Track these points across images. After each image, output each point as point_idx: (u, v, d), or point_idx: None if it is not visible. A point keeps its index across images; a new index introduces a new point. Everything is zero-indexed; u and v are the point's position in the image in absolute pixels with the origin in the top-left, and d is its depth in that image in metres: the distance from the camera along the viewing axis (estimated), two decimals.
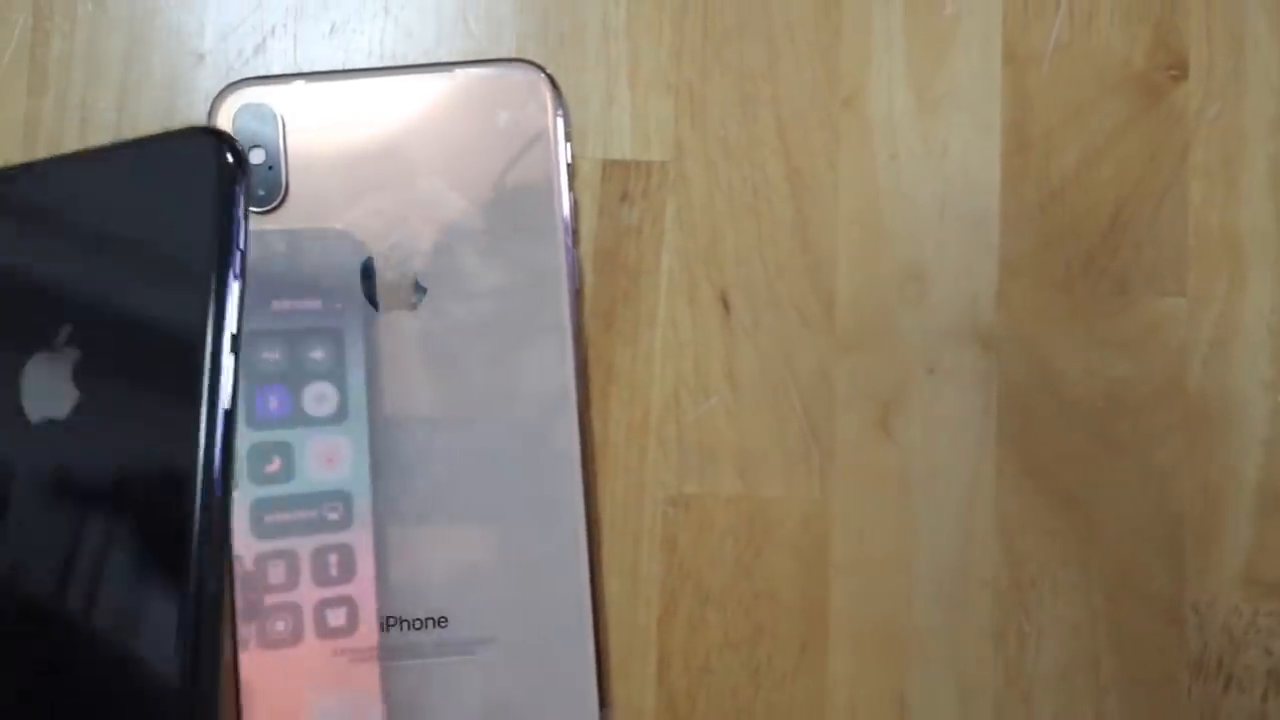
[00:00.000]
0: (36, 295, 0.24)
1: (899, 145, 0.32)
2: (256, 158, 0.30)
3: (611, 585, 0.31)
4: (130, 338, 0.23)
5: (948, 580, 0.32)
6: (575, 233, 0.31)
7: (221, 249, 0.23)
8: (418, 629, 0.29)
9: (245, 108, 0.30)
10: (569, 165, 0.31)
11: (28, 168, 0.25)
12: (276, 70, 0.32)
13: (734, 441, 0.32)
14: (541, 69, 0.31)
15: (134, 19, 0.32)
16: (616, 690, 0.31)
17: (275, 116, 0.30)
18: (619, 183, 0.32)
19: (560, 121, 0.31)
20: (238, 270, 0.23)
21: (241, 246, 0.23)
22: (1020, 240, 0.32)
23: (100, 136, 0.31)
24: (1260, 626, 0.32)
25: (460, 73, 0.31)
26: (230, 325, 0.22)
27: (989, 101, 0.32)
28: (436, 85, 0.31)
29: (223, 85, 0.31)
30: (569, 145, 0.31)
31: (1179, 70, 0.33)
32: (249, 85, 0.30)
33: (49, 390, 0.24)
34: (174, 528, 0.22)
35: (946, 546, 0.32)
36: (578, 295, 0.31)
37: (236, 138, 0.26)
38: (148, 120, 0.32)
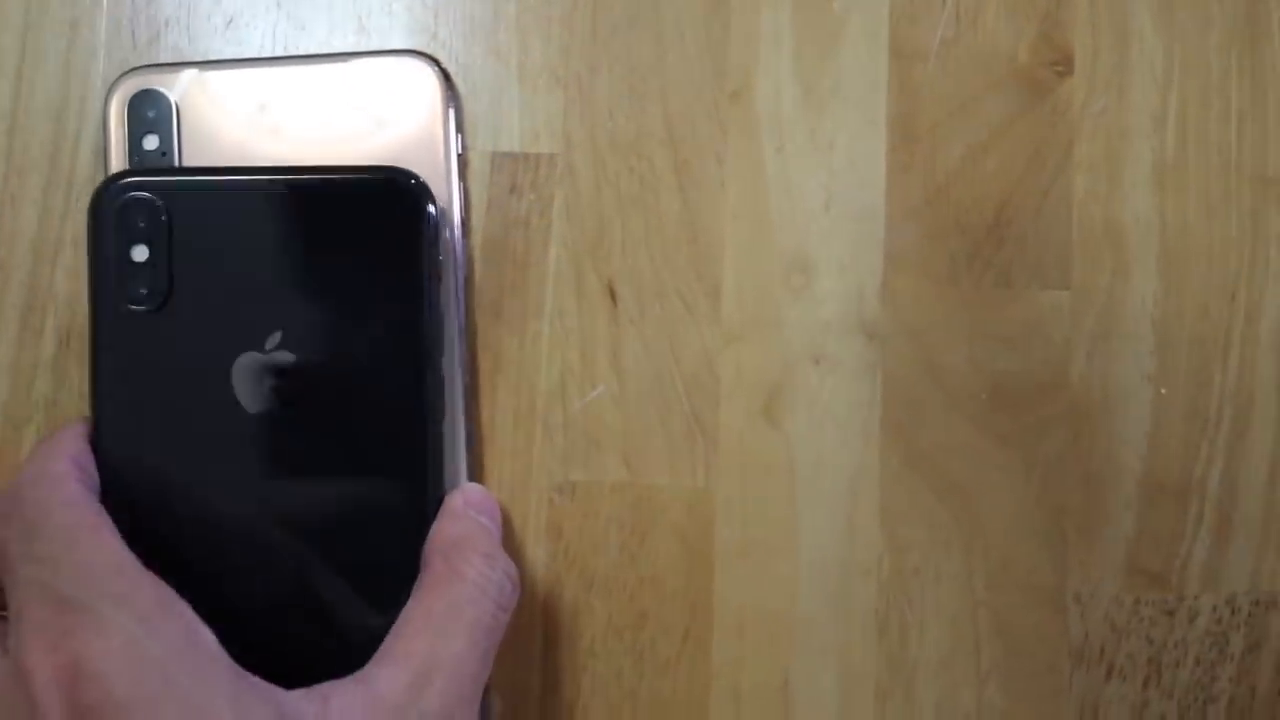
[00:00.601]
0: (247, 301, 0.29)
1: (785, 139, 0.33)
2: (150, 144, 0.30)
3: None
4: (338, 348, 0.29)
5: (831, 568, 0.32)
6: (465, 223, 0.31)
7: (429, 279, 0.29)
8: None
9: (141, 94, 0.31)
10: (460, 156, 0.31)
11: (248, 185, 0.29)
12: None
13: (620, 430, 0.32)
14: (434, 60, 0.31)
15: (29, 10, 0.32)
16: (501, 674, 0.31)
17: (170, 103, 0.30)
18: (508, 174, 0.32)
19: (452, 112, 0.31)
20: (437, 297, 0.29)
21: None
22: (905, 233, 0.33)
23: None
24: (1142, 616, 0.32)
25: (353, 63, 0.31)
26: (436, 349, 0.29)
27: (875, 96, 0.33)
28: (329, 75, 0.31)
29: (119, 73, 0.31)
30: (460, 136, 0.32)
31: (1064, 66, 0.33)
32: (144, 72, 0.31)
33: (260, 386, 0.29)
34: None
35: (830, 535, 0.32)
36: (467, 284, 0.31)
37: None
38: (42, 110, 0.32)
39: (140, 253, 0.28)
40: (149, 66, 0.31)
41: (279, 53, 0.32)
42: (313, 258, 0.29)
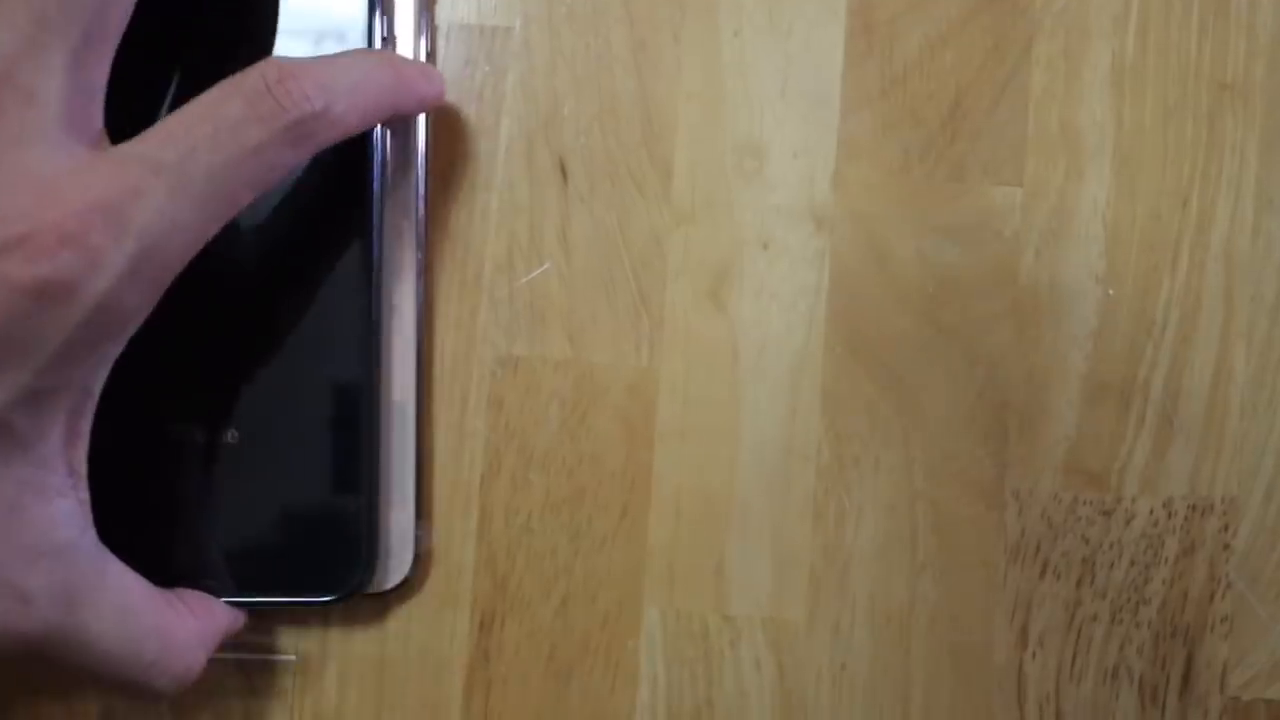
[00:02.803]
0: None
1: (744, 21, 0.33)
2: None
3: (437, 440, 0.32)
4: None
5: (770, 453, 0.32)
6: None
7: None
8: None
9: None
10: (430, 28, 0.31)
11: None
12: None
13: (565, 306, 0.32)
14: None
15: None
16: (437, 546, 0.31)
17: None
18: (462, 46, 0.32)
19: None
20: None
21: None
22: (860, 122, 0.33)
23: None
24: (1079, 515, 0.32)
25: None
26: None
27: None
28: None
29: None
30: (428, 14, 0.31)
31: None
32: None
33: None
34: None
35: (771, 420, 0.32)
36: (426, 154, 0.31)
37: None
38: None
39: None
40: None
41: None
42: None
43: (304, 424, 0.30)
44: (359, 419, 0.29)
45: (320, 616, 0.31)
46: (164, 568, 0.28)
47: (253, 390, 0.30)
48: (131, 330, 0.25)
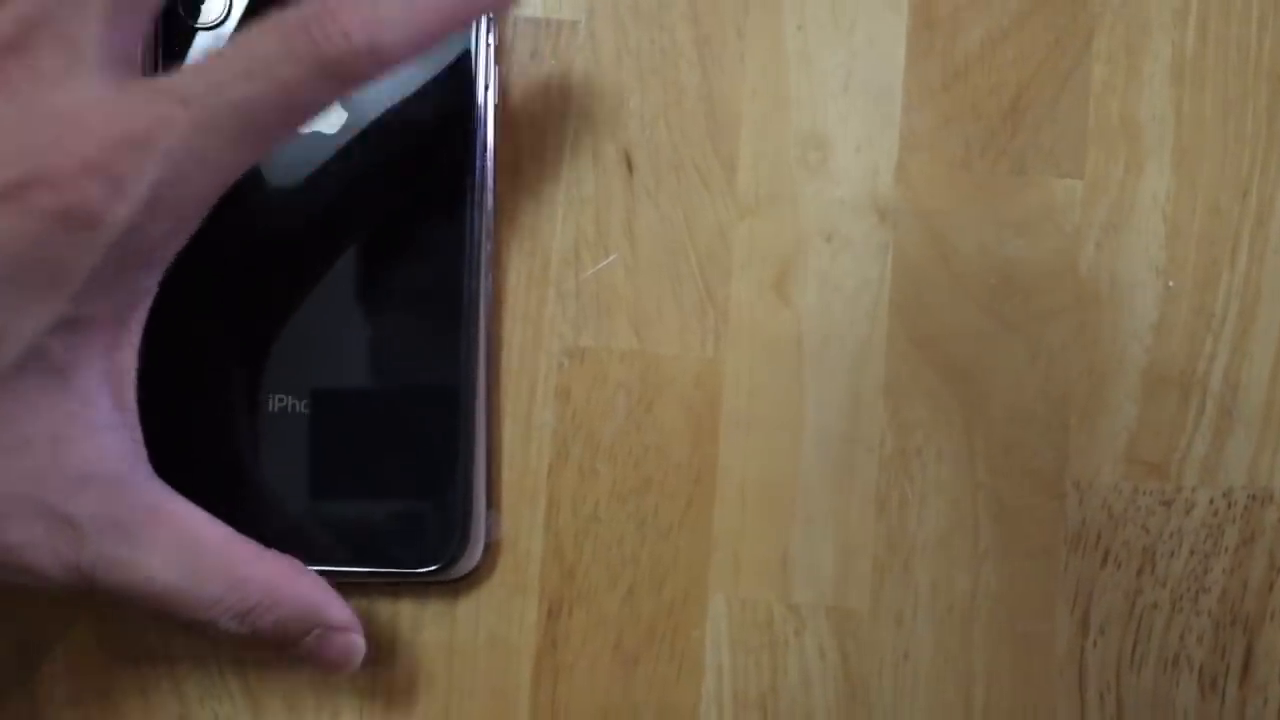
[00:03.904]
0: None
1: (806, 16, 0.33)
2: None
3: (506, 430, 0.32)
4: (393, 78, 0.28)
5: (834, 444, 0.32)
6: (499, 86, 0.31)
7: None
8: None
9: None
10: (491, 21, 0.31)
11: None
12: None
13: (631, 298, 0.32)
14: None
15: None
16: (506, 536, 0.32)
17: None
18: (529, 40, 0.33)
19: None
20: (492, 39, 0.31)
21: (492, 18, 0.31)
22: (922, 116, 0.33)
23: None
24: (1139, 505, 0.33)
25: None
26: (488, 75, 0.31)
27: None
28: None
29: None
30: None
31: None
32: None
33: None
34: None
35: (835, 411, 0.32)
36: (493, 151, 0.31)
37: None
38: None
39: None
40: None
41: None
42: None
43: (398, 404, 0.31)
44: (453, 403, 0.30)
45: (391, 604, 0.32)
46: (264, 537, 0.29)
47: (349, 367, 0.31)
48: (162, 263, 0.26)
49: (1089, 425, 0.33)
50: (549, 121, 0.33)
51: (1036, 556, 0.33)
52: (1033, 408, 0.33)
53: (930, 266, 0.33)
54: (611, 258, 0.32)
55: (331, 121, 0.31)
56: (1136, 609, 0.33)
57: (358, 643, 0.28)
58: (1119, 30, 0.33)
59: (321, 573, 0.29)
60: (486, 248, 0.31)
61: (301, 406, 0.30)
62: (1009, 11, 0.33)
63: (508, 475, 0.32)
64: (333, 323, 0.31)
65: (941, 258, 0.33)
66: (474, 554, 0.31)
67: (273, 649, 0.28)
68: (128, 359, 0.26)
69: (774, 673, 0.32)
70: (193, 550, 0.26)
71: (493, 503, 0.31)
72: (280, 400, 0.31)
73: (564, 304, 0.32)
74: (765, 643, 0.32)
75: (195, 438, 0.30)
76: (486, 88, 0.31)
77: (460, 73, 0.31)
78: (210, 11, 0.31)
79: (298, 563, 0.28)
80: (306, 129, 0.30)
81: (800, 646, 0.32)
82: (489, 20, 0.31)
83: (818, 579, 0.32)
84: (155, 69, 0.30)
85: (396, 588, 0.31)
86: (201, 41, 0.31)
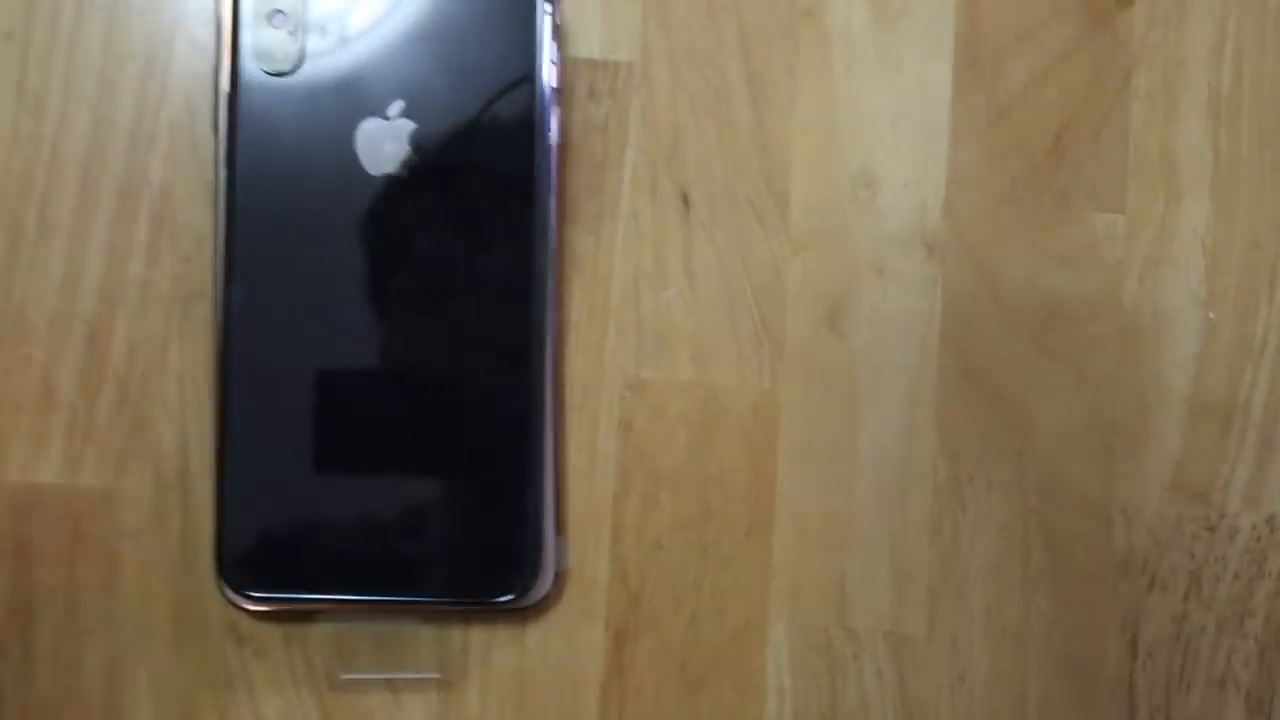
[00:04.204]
0: (368, 72, 0.31)
1: (855, 57, 0.34)
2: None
3: (569, 460, 0.33)
4: (454, 122, 0.32)
5: (888, 472, 0.33)
6: (558, 129, 0.32)
7: (539, 57, 0.32)
8: None
9: None
10: (554, 64, 0.32)
11: None
12: None
13: (689, 331, 0.33)
14: None
15: None
16: (572, 562, 0.33)
17: None
18: (587, 80, 0.34)
19: (548, 19, 0.32)
20: (554, 81, 0.32)
21: (555, 60, 0.32)
22: (968, 152, 0.34)
23: (96, 12, 0.33)
24: (1184, 531, 0.34)
25: None
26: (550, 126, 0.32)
27: (943, 19, 0.34)
28: None
29: None
30: (556, 45, 0.32)
31: None
32: None
33: (380, 150, 0.31)
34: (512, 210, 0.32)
35: (888, 440, 0.33)
36: (555, 189, 0.32)
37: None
38: (141, 6, 0.33)
39: (279, 22, 0.31)
40: None
41: None
42: (435, 32, 0.31)
43: (470, 438, 0.32)
44: (522, 436, 0.31)
45: (463, 631, 0.32)
46: (343, 568, 0.31)
47: (422, 401, 0.32)
48: None
49: (1134, 453, 0.34)
50: (607, 160, 0.34)
51: (1086, 581, 0.33)
52: (1080, 436, 0.34)
53: (978, 299, 0.34)
54: (670, 291, 0.33)
55: (400, 162, 0.32)
56: (1184, 632, 0.33)
57: None
58: (1157, 69, 0.34)
59: (402, 604, 0.30)
60: (550, 283, 0.32)
61: (381, 441, 0.31)
62: (1051, 51, 0.34)
63: (573, 505, 0.33)
64: (405, 359, 0.32)
65: (989, 290, 0.34)
66: (544, 582, 0.32)
67: None
68: None
69: (833, 695, 0.33)
70: None
71: (561, 532, 0.32)
72: (359, 434, 0.31)
73: (625, 337, 0.33)
74: (824, 666, 0.33)
75: (278, 474, 0.31)
76: (548, 128, 0.32)
77: (523, 114, 0.32)
78: (283, 61, 0.32)
79: None
80: (376, 169, 0.31)
81: (859, 670, 0.33)
82: (553, 63, 0.32)
83: (874, 604, 0.33)
84: (234, 118, 0.31)
85: (468, 615, 0.32)
86: (275, 91, 0.32)
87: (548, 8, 0.31)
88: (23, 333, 0.33)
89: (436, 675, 0.32)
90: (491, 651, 0.33)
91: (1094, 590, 0.33)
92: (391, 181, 0.31)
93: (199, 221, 0.33)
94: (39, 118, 0.33)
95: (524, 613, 0.32)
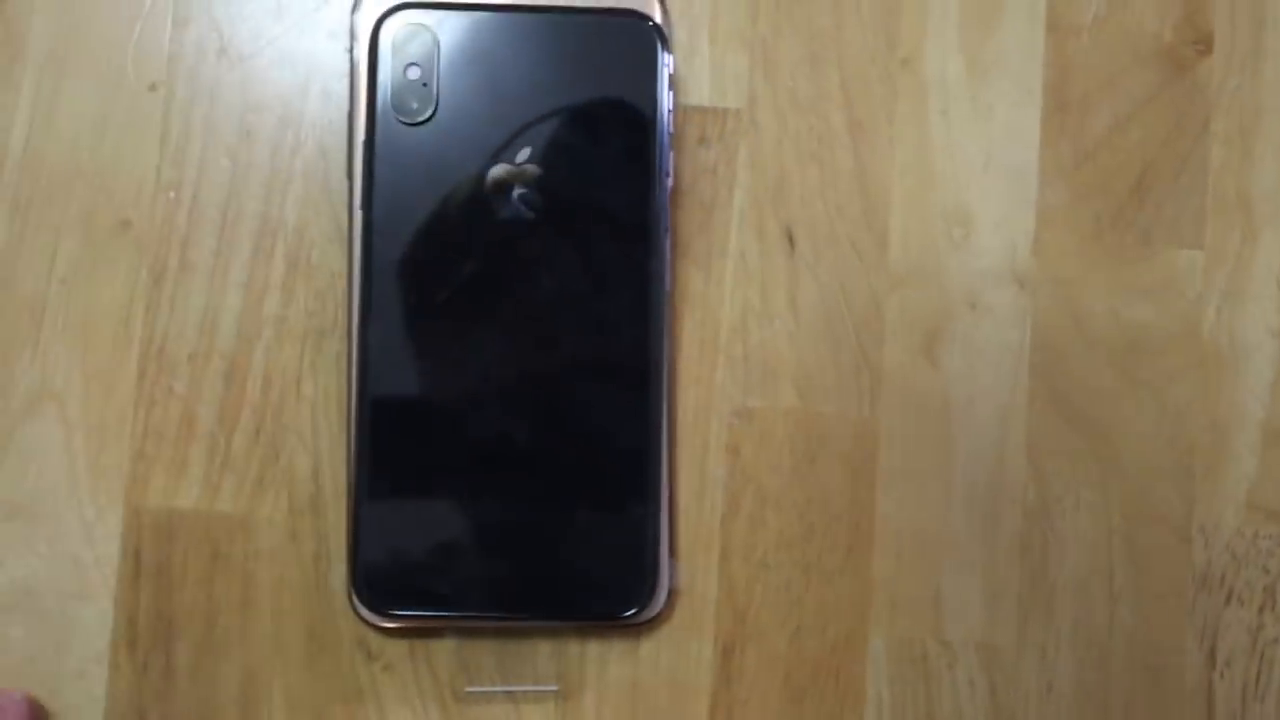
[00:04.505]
0: (497, 120, 0.33)
1: (950, 103, 0.36)
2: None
3: (681, 484, 0.35)
4: (578, 167, 0.34)
5: (981, 495, 0.35)
6: (672, 172, 0.34)
7: (660, 109, 0.34)
8: None
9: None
10: (670, 112, 0.34)
11: (497, 10, 0.34)
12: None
13: (794, 362, 0.35)
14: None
15: None
16: (685, 577, 0.35)
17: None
18: (698, 126, 0.36)
19: (667, 70, 0.34)
20: (670, 127, 0.34)
21: (670, 107, 0.34)
22: (1056, 193, 0.36)
23: (236, 65, 0.35)
24: (1260, 548, 0.36)
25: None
26: (669, 172, 0.34)
27: (1032, 67, 0.36)
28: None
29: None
30: (672, 93, 0.34)
31: (1204, 46, 0.36)
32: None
33: (510, 193, 0.33)
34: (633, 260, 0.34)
35: (981, 464, 0.35)
36: (669, 231, 0.34)
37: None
38: (279, 59, 0.35)
39: (414, 73, 0.33)
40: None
41: None
42: (560, 81, 0.33)
43: (594, 467, 0.34)
44: (641, 464, 0.33)
45: (579, 645, 0.35)
46: (471, 587, 0.33)
47: (551, 432, 0.34)
48: None
49: (1212, 475, 0.36)
50: (717, 201, 0.36)
51: (1166, 596, 0.36)
52: (1161, 459, 0.36)
53: (1065, 331, 0.36)
54: (776, 325, 0.36)
55: (526, 205, 0.34)
56: (1259, 643, 0.36)
57: None
58: (1234, 113, 0.36)
59: (526, 621, 0.33)
60: (665, 319, 0.34)
61: (507, 466, 0.33)
62: (1133, 97, 0.36)
63: (685, 525, 0.35)
64: (529, 389, 0.34)
65: (1075, 323, 0.36)
66: (659, 600, 0.34)
67: None
68: None
69: (929, 704, 0.35)
70: None
71: (674, 553, 0.34)
72: (486, 461, 0.33)
73: (733, 368, 0.35)
74: (920, 676, 0.35)
75: (409, 499, 0.33)
76: (664, 173, 0.34)
77: (642, 159, 0.34)
78: (417, 111, 0.34)
79: None
80: (503, 212, 0.33)
81: (953, 679, 0.35)
82: (669, 111, 0.34)
83: (967, 617, 0.35)
84: (370, 164, 0.33)
85: (585, 630, 0.34)
86: (408, 138, 0.34)
87: (668, 59, 0.33)
88: (164, 367, 0.34)
89: (555, 687, 0.34)
90: (607, 664, 0.35)
91: (1174, 604, 0.35)
92: (518, 223, 0.33)
93: (331, 260, 0.35)
94: (181, 165, 0.35)
95: (639, 628, 0.34)
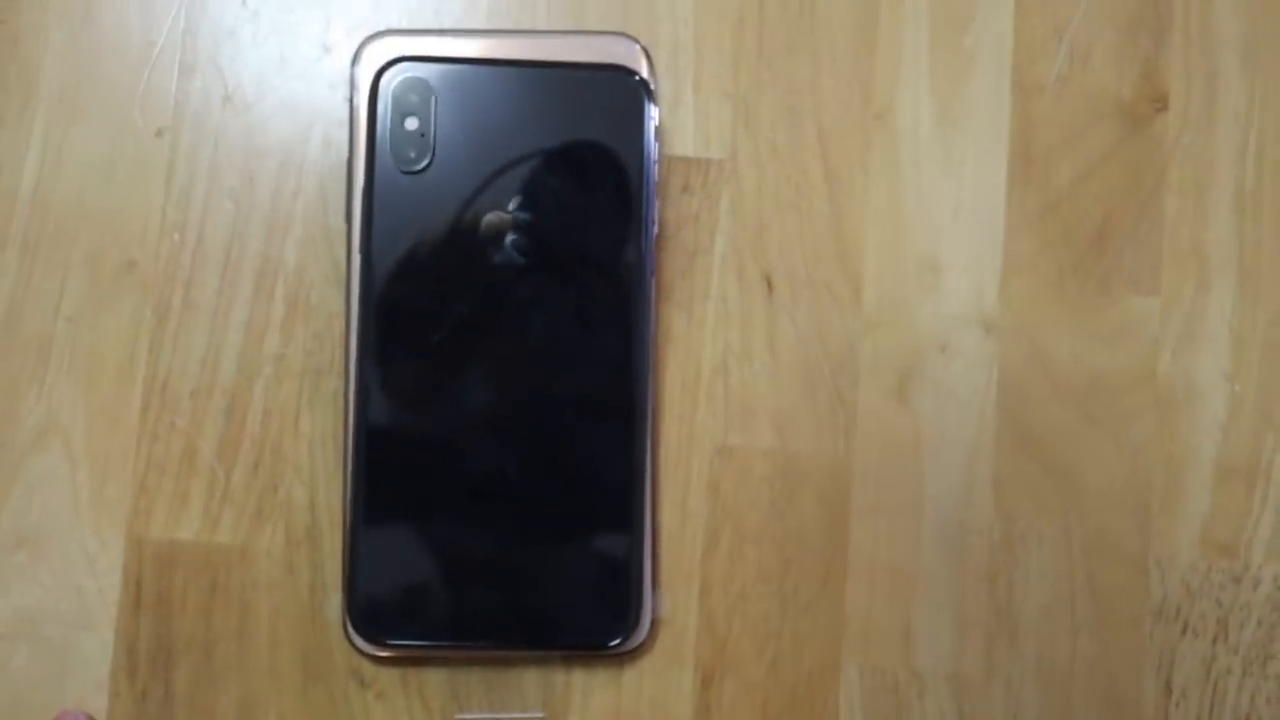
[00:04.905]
0: (491, 169, 0.35)
1: (921, 155, 0.38)
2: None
3: (664, 518, 0.36)
4: (568, 214, 0.35)
5: (950, 529, 0.37)
6: (658, 219, 0.36)
7: (647, 159, 0.35)
8: None
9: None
10: (655, 162, 0.36)
11: (492, 64, 0.35)
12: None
13: (772, 402, 0.37)
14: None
15: (270, 13, 0.37)
16: (667, 609, 0.36)
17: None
18: (682, 176, 0.37)
19: (651, 124, 0.36)
20: (655, 177, 0.35)
21: (656, 158, 0.35)
22: (1021, 242, 0.38)
23: (240, 112, 0.37)
24: (1213, 581, 0.38)
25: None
26: (654, 220, 0.35)
27: (999, 123, 0.38)
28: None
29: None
30: (658, 144, 0.36)
31: (1161, 103, 0.39)
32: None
33: (503, 239, 0.35)
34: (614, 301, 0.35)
35: (950, 500, 0.37)
36: (654, 275, 0.36)
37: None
38: (281, 99, 0.37)
39: (412, 123, 0.34)
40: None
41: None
42: (551, 133, 0.35)
43: (580, 501, 0.35)
44: (625, 499, 0.35)
45: (565, 673, 0.36)
46: (463, 618, 0.34)
47: (538, 467, 0.35)
48: None
49: (1168, 511, 0.38)
50: (699, 247, 0.37)
51: (1125, 628, 0.37)
52: (1120, 496, 0.38)
53: (1030, 373, 0.38)
54: (755, 366, 0.37)
55: (518, 250, 0.35)
56: (1212, 674, 0.37)
57: None
58: (1189, 167, 0.38)
59: (515, 651, 0.35)
60: (649, 360, 0.36)
61: (496, 500, 0.35)
62: (1094, 151, 0.38)
63: (667, 559, 0.37)
64: (519, 426, 0.35)
65: (1040, 365, 0.38)
66: (642, 631, 0.35)
67: None
68: None
69: None
70: None
71: (657, 585, 0.36)
72: (476, 495, 0.35)
73: (714, 407, 0.37)
74: (892, 705, 0.37)
75: (403, 532, 0.35)
76: (649, 221, 0.36)
77: (629, 207, 0.35)
78: (414, 159, 0.35)
79: None
80: (496, 257, 0.35)
81: (923, 709, 0.37)
82: (654, 162, 0.35)
83: (937, 649, 0.37)
84: (369, 210, 0.35)
85: (570, 659, 0.36)
86: (405, 185, 0.35)
87: (653, 111, 0.35)
88: (167, 402, 0.36)
89: (541, 715, 0.36)
90: (591, 692, 0.36)
91: (1132, 635, 0.37)
92: (510, 268, 0.35)
93: (329, 301, 0.36)
94: (185, 208, 0.36)
95: (622, 657, 0.36)
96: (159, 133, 0.36)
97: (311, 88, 0.37)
